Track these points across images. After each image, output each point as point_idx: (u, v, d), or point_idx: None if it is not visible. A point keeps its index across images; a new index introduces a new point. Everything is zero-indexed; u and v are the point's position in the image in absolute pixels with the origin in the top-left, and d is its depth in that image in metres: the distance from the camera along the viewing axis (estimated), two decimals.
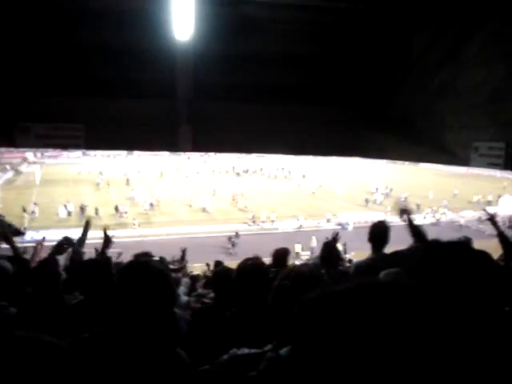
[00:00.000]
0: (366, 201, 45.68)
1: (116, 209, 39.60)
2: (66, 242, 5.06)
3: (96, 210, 38.15)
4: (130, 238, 31.70)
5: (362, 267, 4.53)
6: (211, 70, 5.40)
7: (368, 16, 4.79)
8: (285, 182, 58.43)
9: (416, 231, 4.85)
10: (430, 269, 1.48)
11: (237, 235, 31.58)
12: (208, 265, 13.47)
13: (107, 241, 5.39)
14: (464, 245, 1.58)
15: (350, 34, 5.22)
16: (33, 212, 38.29)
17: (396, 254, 4.65)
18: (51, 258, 4.00)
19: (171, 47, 4.83)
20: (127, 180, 53.26)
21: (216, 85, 5.68)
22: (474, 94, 4.65)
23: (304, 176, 59.46)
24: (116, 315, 1.82)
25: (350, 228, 35.52)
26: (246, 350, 1.93)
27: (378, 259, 4.45)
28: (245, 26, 4.81)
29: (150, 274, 1.82)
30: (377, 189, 51.63)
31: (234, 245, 30.47)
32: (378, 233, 4.70)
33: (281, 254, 6.08)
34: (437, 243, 1.60)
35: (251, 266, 3.09)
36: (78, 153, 69.19)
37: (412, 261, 1.56)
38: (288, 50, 5.43)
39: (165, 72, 5.37)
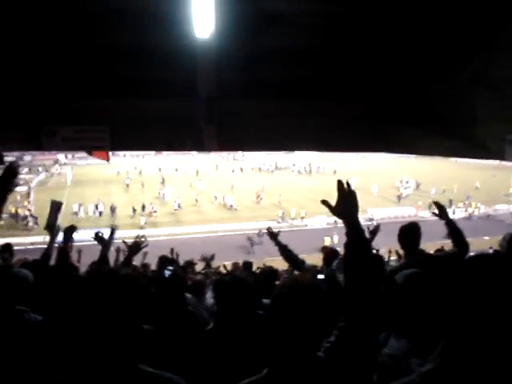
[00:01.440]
0: (398, 197, 44.98)
1: (143, 208, 40.02)
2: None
3: (133, 209, 38.85)
4: (158, 238, 32.00)
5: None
6: (234, 67, 5.32)
7: (392, 6, 4.64)
8: (315, 178, 58.14)
9: (453, 230, 4.60)
10: (469, 282, 1.39)
11: (259, 234, 31.58)
12: (225, 266, 12.57)
13: (135, 247, 4.96)
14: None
15: (374, 26, 5.07)
16: (76, 213, 39.19)
17: (432, 257, 4.49)
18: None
19: (193, 46, 4.77)
20: (162, 179, 53.86)
21: (239, 82, 5.59)
22: (508, 84, 4.45)
23: (335, 172, 59.09)
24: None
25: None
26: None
27: (413, 263, 4.28)
28: (266, 21, 4.71)
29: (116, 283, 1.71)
30: (407, 182, 51.01)
31: (252, 244, 30.98)
32: (409, 234, 4.48)
33: (329, 253, 5.97)
34: (481, 256, 1.49)
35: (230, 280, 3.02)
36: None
37: (448, 266, 1.47)
38: (312, 44, 5.30)
39: (187, 71, 5.31)
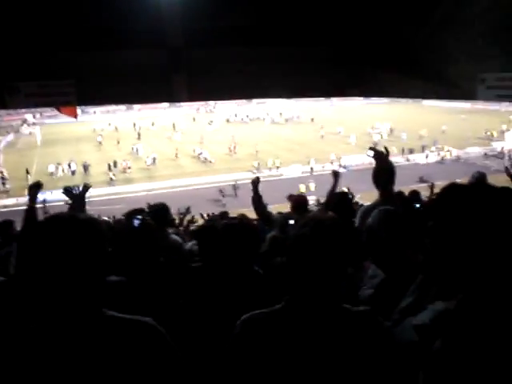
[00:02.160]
0: (375, 144, 45.13)
1: (114, 165, 39.54)
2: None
3: (108, 166, 38.31)
4: (134, 194, 31.93)
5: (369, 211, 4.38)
6: (200, 15, 5.14)
7: None
8: (289, 127, 57.92)
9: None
10: (450, 210, 1.37)
11: (235, 186, 31.81)
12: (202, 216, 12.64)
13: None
14: (484, 185, 1.45)
15: None
16: (52, 173, 38.49)
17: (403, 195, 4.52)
18: None
19: None
20: (138, 134, 52.98)
21: (207, 30, 5.42)
22: (479, 23, 4.38)
23: (312, 119, 59.01)
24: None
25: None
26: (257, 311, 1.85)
27: (387, 201, 4.30)
28: None
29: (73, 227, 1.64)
30: (379, 128, 51.33)
31: (224, 196, 31.41)
32: (383, 173, 4.49)
33: (300, 201, 5.99)
34: (455, 185, 1.46)
35: (239, 225, 2.95)
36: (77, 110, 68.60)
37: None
38: None
39: (153, 20, 5.12)
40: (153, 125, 59.80)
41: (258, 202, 5.94)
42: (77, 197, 4.12)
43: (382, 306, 2.11)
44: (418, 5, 5.12)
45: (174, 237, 5.06)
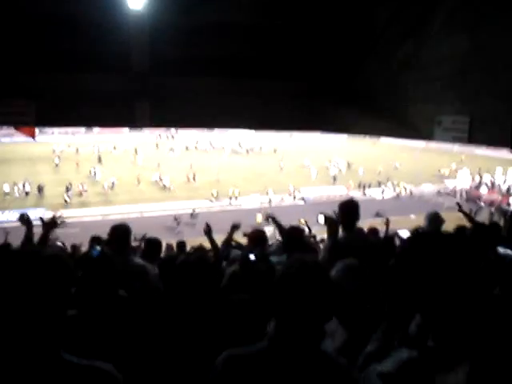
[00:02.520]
0: (334, 178, 45.56)
1: (67, 188, 38.54)
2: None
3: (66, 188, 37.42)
4: (90, 218, 31.29)
5: (338, 247, 4.39)
6: (168, 42, 5.18)
7: None
8: (250, 157, 58.28)
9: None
10: (416, 260, 1.43)
11: (192, 214, 31.48)
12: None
13: (50, 224, 4.47)
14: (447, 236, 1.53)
15: (312, 6, 5.07)
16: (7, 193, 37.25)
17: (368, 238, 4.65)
18: None
19: (126, 18, 4.60)
20: (99, 157, 52.00)
21: (173, 58, 5.45)
22: (439, 67, 4.58)
23: (275, 151, 59.63)
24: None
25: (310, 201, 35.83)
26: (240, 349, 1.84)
27: (353, 239, 4.37)
28: None
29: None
30: (337, 162, 52.24)
31: (179, 224, 30.54)
32: (349, 211, 4.57)
33: (258, 236, 5.93)
34: (419, 234, 1.55)
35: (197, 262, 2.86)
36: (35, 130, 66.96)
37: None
38: (248, 22, 5.23)
39: (120, 44, 5.12)
40: (114, 148, 59.00)
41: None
42: (31, 223, 4.00)
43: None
44: (381, 46, 5.31)
45: (138, 260, 4.78)
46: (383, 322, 2.07)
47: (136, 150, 55.74)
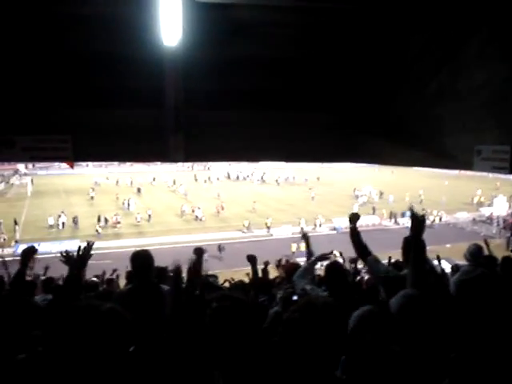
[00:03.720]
0: (373, 209, 44.75)
1: (99, 219, 39.02)
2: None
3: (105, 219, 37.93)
4: (123, 249, 31.52)
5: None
6: (201, 76, 5.22)
7: (362, 18, 4.64)
8: (282, 188, 58.36)
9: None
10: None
11: (220, 248, 31.23)
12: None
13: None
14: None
15: (344, 38, 5.06)
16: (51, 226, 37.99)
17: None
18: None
19: (159, 54, 4.66)
20: (138, 189, 52.91)
21: (207, 92, 5.49)
22: (475, 95, 4.49)
23: (306, 180, 59.71)
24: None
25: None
26: None
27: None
28: (234, 31, 4.64)
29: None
30: (369, 192, 51.79)
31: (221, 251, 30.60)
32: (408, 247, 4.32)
33: (291, 269, 5.85)
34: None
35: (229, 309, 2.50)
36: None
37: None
38: (280, 55, 5.25)
39: (153, 80, 5.18)
40: (154, 180, 60.01)
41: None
42: (74, 261, 3.92)
43: None
44: (414, 76, 5.26)
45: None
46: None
47: (174, 181, 56.59)
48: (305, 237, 5.60)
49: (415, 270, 3.55)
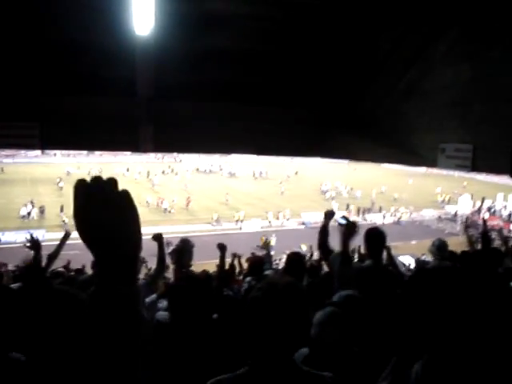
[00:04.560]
0: (347, 205, 44.95)
1: (62, 209, 38.27)
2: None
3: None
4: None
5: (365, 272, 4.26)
6: (174, 67, 5.21)
7: (332, 14, 4.71)
8: (253, 182, 58.33)
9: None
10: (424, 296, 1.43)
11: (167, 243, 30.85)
12: None
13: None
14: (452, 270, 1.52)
15: (316, 33, 5.12)
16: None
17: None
18: None
19: (131, 43, 4.63)
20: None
21: (178, 83, 5.48)
22: (442, 95, 4.61)
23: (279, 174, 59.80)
24: None
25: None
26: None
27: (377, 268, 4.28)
28: (208, 23, 4.64)
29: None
30: (336, 187, 52.33)
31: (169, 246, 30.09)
32: (375, 239, 4.47)
33: (256, 262, 5.99)
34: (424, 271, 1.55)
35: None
36: (37, 151, 67.21)
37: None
38: (252, 48, 5.28)
39: (125, 69, 5.15)
40: (127, 171, 58.95)
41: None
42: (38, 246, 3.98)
43: None
44: (384, 74, 5.35)
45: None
46: (393, 357, 2.02)
47: (148, 172, 55.82)
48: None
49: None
